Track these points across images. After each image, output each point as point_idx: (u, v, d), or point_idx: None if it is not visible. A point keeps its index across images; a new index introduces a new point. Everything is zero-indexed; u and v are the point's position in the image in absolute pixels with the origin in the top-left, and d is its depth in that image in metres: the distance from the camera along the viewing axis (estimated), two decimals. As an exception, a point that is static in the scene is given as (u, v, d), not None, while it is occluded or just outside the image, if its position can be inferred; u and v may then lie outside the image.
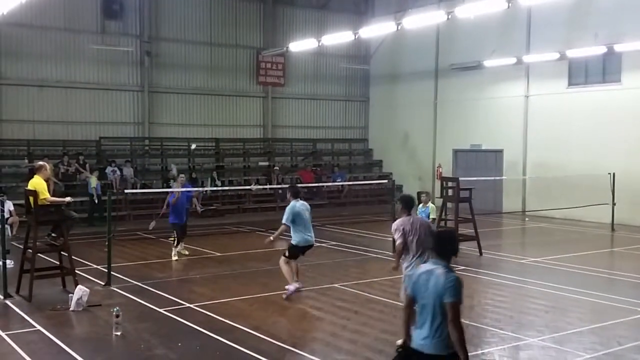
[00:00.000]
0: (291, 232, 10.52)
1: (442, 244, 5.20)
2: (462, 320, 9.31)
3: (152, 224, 15.24)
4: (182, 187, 15.23)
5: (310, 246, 10.67)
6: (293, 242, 10.52)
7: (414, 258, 8.07)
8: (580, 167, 20.59)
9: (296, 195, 10.73)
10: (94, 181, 20.40)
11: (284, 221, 10.46)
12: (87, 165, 21.59)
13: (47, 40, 22.11)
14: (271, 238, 10.64)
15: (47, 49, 22.12)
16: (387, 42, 27.35)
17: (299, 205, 10.55)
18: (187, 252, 14.76)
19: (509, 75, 23.46)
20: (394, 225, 8.38)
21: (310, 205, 10.90)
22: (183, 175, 17.11)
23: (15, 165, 21.28)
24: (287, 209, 10.51)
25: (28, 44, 21.77)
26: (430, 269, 5.06)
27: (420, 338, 4.96)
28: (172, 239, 14.83)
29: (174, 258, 14.23)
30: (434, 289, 4.92)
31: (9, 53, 21.49)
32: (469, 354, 7.90)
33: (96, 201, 20.06)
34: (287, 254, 10.60)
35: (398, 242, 8.19)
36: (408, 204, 8.55)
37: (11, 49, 21.51)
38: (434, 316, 4.89)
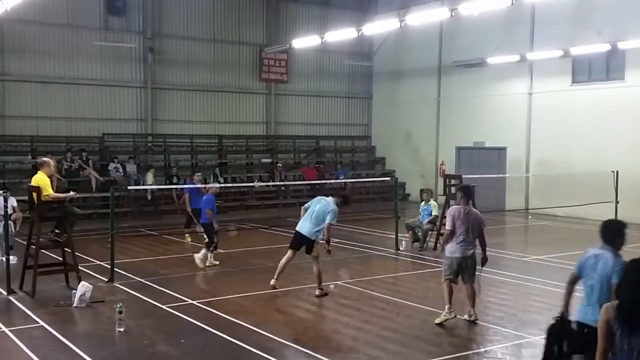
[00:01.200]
0: None
1: (611, 232, 5.81)
2: (464, 317, 9.34)
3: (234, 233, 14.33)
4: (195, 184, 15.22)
5: (302, 237, 10.48)
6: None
7: (456, 244, 8.89)
8: (583, 165, 20.53)
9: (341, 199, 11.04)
10: (150, 178, 20.48)
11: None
12: (90, 162, 21.62)
13: (50, 36, 22.12)
14: None
15: (51, 45, 22.14)
16: (390, 39, 27.32)
17: (317, 198, 10.80)
18: (217, 262, 13.26)
19: (512, 72, 23.41)
20: (449, 211, 9.25)
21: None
22: (199, 172, 17.06)
23: (18, 162, 21.31)
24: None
25: (31, 40, 21.79)
26: (599, 253, 5.71)
27: (585, 313, 5.56)
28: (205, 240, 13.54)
29: (203, 264, 12.82)
30: (602, 271, 5.56)
31: (12, 49, 21.51)
32: (471, 351, 7.94)
33: (149, 197, 21.15)
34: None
35: (447, 230, 9.01)
36: (468, 194, 9.25)
37: (14, 45, 21.52)
38: (600, 294, 5.49)
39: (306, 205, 10.83)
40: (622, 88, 20.57)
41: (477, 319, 9.09)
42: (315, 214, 10.46)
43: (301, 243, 10.60)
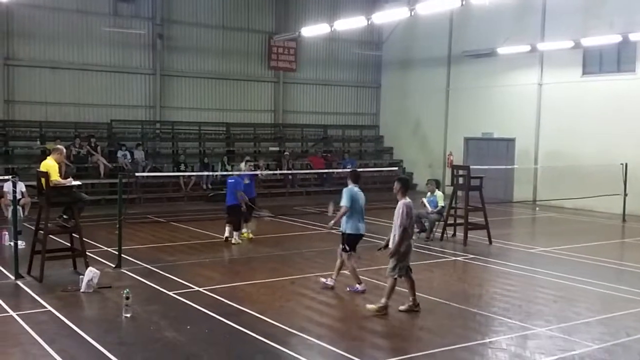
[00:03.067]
0: (344, 219, 10.18)
1: None
2: (469, 308, 9.36)
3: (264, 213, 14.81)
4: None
5: (362, 236, 10.27)
6: (348, 231, 10.13)
7: (410, 239, 9.05)
8: (592, 157, 20.44)
9: (356, 180, 10.35)
10: (243, 167, 19.40)
11: (345, 203, 10.07)
12: (99, 148, 21.69)
13: (59, 21, 22.13)
14: (332, 223, 10.27)
15: (60, 30, 22.15)
16: (400, 28, 27.18)
17: (356, 190, 10.20)
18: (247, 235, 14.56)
19: (522, 63, 23.26)
20: (406, 207, 8.94)
21: (320, 191, 10.76)
22: (250, 160, 17.37)
23: (27, 147, 21.42)
24: (345, 192, 10.17)
25: (41, 25, 21.81)
26: None
27: None
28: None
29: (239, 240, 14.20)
30: None
31: (21, 34, 21.53)
32: (476, 342, 7.95)
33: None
34: (346, 247, 10.18)
35: (407, 223, 8.89)
36: (407, 187, 9.22)
37: (24, 30, 21.55)
38: None
39: (354, 204, 10.03)
40: (633, 80, 20.41)
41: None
42: (362, 207, 10.20)
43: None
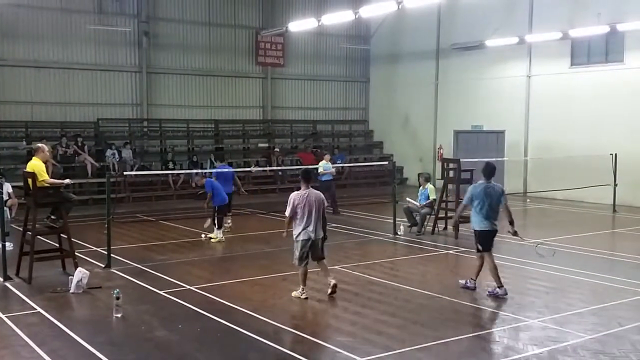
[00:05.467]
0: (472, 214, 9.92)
1: None
2: (461, 301, 9.34)
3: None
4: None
5: (493, 233, 9.79)
6: (476, 227, 9.84)
7: (302, 228, 9.26)
8: (582, 148, 20.49)
9: (489, 176, 9.94)
10: (322, 165, 18.13)
11: (465, 201, 9.94)
12: (86, 147, 21.51)
13: (43, 20, 21.87)
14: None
15: (44, 29, 21.90)
16: (388, 22, 27.11)
17: (480, 188, 9.76)
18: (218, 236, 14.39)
19: (511, 55, 23.27)
20: (290, 197, 9.47)
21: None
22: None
23: (13, 147, 21.20)
24: (469, 189, 9.97)
25: (25, 25, 21.54)
26: None
27: None
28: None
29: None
30: None
31: (5, 34, 21.26)
32: (469, 335, 7.92)
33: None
34: (479, 247, 9.86)
35: (287, 214, 9.35)
36: (307, 178, 9.64)
37: (8, 30, 21.27)
38: None
39: (473, 194, 9.70)
40: (621, 70, 20.48)
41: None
42: (494, 204, 9.67)
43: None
